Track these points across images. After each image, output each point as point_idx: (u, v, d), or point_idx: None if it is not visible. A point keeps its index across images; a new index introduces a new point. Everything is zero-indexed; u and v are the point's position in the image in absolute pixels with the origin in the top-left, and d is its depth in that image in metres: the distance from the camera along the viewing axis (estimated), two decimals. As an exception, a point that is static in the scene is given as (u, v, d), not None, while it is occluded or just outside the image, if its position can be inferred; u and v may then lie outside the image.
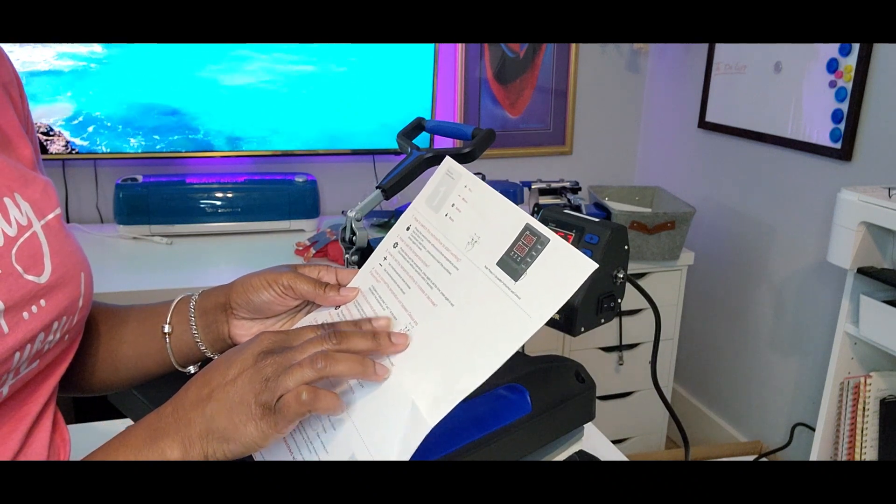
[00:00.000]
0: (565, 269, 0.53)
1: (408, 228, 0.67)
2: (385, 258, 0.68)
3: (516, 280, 0.55)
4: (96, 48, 1.92)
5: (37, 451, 0.61)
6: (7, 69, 0.62)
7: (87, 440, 0.82)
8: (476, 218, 0.61)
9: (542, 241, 0.55)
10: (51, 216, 0.58)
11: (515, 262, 0.56)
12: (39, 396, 0.60)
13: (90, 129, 1.97)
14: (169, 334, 0.70)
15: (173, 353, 0.70)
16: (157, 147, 2.05)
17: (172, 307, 0.71)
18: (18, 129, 0.61)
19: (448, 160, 0.67)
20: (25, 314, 0.54)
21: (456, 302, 0.58)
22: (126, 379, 0.73)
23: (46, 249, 0.56)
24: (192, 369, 0.72)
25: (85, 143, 1.98)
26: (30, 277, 0.54)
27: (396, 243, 0.68)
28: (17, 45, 1.84)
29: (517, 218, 0.58)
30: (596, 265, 0.52)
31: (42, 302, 0.55)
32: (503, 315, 0.54)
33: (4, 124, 0.59)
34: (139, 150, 2.04)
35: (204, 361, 0.72)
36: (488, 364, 0.52)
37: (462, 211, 0.63)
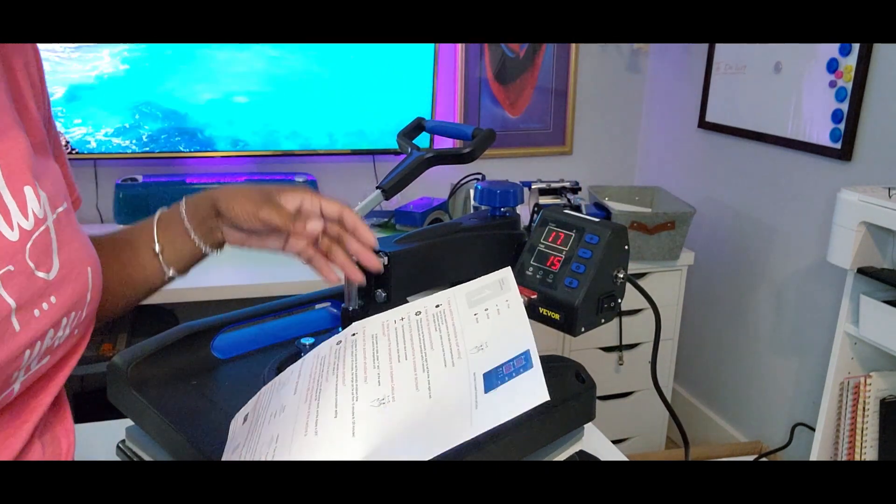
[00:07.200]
0: (526, 394, 0.58)
1: (437, 306, 0.71)
2: (402, 319, 0.71)
3: (486, 392, 0.60)
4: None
5: (46, 443, 0.61)
6: (23, 50, 0.60)
7: (88, 440, 0.82)
8: (495, 328, 0.66)
9: (526, 366, 0.61)
10: (61, 209, 0.58)
11: (497, 377, 0.61)
12: (51, 389, 0.61)
13: (90, 128, 1.97)
14: (161, 252, 0.74)
15: (169, 265, 0.75)
16: (158, 147, 2.05)
17: (156, 227, 0.76)
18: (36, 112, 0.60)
19: (508, 272, 0.72)
20: (36, 311, 0.54)
21: (433, 395, 0.62)
22: (110, 310, 0.74)
23: (55, 245, 0.56)
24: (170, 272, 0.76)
25: (85, 143, 1.98)
26: (40, 274, 0.54)
27: (420, 312, 0.71)
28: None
29: (524, 342, 0.63)
30: (547, 397, 0.57)
31: (52, 298, 0.55)
32: (455, 417, 0.59)
33: (21, 108, 0.58)
34: (139, 150, 2.04)
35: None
36: (420, 454, 0.57)
37: (490, 318, 0.68)
